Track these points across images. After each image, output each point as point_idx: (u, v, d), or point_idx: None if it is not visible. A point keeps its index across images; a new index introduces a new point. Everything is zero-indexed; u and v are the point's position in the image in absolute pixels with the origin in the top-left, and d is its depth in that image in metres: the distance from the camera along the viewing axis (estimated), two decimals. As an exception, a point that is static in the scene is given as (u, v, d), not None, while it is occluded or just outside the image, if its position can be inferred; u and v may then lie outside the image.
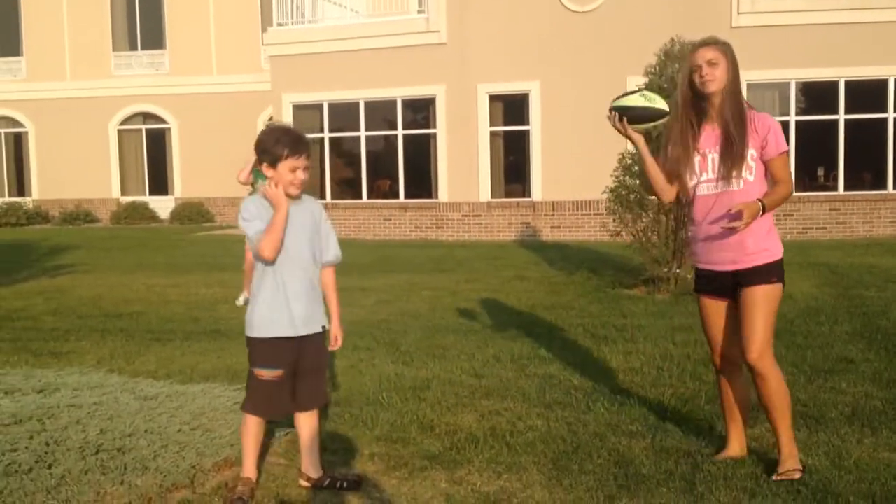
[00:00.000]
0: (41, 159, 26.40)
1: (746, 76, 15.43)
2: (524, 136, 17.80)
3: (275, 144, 3.60)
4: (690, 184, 3.93)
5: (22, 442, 4.12)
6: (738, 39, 16.78)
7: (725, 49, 3.86)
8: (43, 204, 26.16)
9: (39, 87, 26.01)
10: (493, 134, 18.04)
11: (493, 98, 17.92)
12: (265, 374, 3.69)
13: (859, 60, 15.83)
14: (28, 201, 26.26)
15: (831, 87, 15.99)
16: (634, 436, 4.41)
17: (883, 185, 16.20)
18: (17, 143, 26.81)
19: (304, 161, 3.63)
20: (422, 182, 18.64)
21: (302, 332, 3.69)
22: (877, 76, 16.03)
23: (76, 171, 25.91)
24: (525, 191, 17.92)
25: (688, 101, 3.90)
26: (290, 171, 3.59)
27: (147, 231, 22.34)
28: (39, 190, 26.48)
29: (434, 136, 18.35)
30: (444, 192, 18.18)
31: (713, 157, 3.86)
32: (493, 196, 17.98)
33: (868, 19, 15.73)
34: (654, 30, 13.58)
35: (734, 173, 3.79)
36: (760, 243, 3.83)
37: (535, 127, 17.48)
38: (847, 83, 16.01)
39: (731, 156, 3.80)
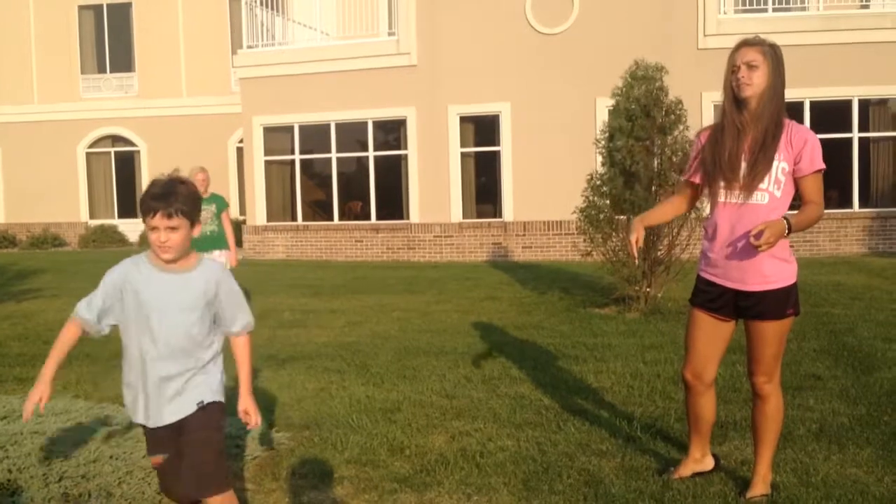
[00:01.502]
0: (8, 182, 26.11)
1: (713, 97, 15.62)
2: (495, 156, 17.87)
3: (140, 201, 3.11)
4: (715, 188, 3.72)
5: (-16, 470, 4.04)
6: (705, 61, 17.02)
7: (767, 51, 3.60)
8: (10, 228, 25.84)
9: (5, 111, 25.77)
10: (464, 155, 18.10)
11: (464, 119, 18.00)
12: (151, 458, 3.33)
13: (824, 81, 16.08)
14: (-6, 225, 25.95)
15: (797, 107, 16.20)
16: (604, 455, 4.41)
17: (849, 204, 16.45)
18: (-17, 167, 26.51)
19: (164, 220, 3.03)
20: (393, 203, 18.65)
21: (161, 423, 3.15)
22: (841, 97, 16.30)
23: (44, 195, 25.64)
24: (496, 211, 17.98)
25: (732, 104, 3.65)
26: (150, 230, 3.07)
27: (116, 254, 22.05)
28: (6, 213, 26.17)
29: (405, 157, 18.38)
30: (416, 214, 18.19)
31: (742, 164, 3.62)
32: (464, 217, 18.02)
33: (832, 41, 16.00)
34: (622, 52, 13.73)
35: (758, 185, 3.57)
36: (777, 267, 3.64)
37: (506, 148, 17.57)
38: (812, 103, 16.26)
39: (758, 166, 3.57)
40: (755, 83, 3.56)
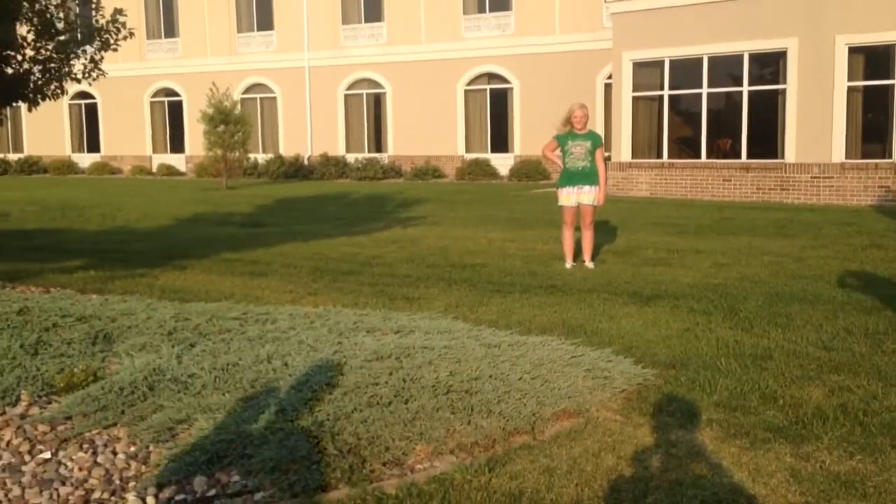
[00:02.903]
0: (396, 118, 28.50)
1: None
2: (888, 90, 16.17)
3: None
4: None
5: (382, 377, 4.53)
6: None
7: None
8: (396, 160, 28.28)
9: (397, 51, 27.99)
10: (851, 89, 16.58)
11: (853, 50, 16.43)
12: None
13: None
14: (384, 157, 28.52)
15: None
16: None
17: None
18: (377, 104, 29.15)
19: None
20: (766, 141, 17.64)
21: None
22: None
23: (426, 129, 27.67)
24: (886, 151, 16.32)
25: None
26: None
27: (488, 187, 23.37)
28: (394, 146, 28.63)
29: (783, 92, 17.25)
30: (791, 152, 17.07)
31: None
32: (847, 157, 16.58)
33: None
34: None
35: None
36: None
37: (902, 81, 15.81)
38: None
39: None
40: None
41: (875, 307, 6.65)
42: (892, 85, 16.01)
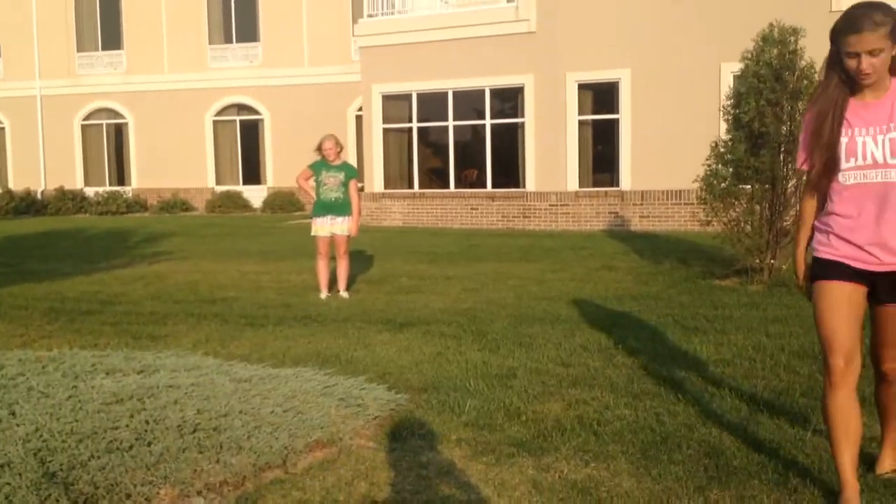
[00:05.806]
0: (140, 149, 27.30)
1: (847, 61, 14.90)
2: (613, 124, 17.59)
3: None
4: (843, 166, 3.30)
5: (123, 420, 4.27)
6: (839, 23, 15.79)
7: (891, 27, 3.14)
8: (141, 193, 27.05)
9: (139, 80, 26.87)
10: (581, 123, 17.88)
11: (583, 87, 17.76)
12: None
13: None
14: (127, 190, 27.18)
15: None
16: (725, 427, 4.33)
17: None
18: (118, 134, 27.78)
19: None
20: (509, 171, 18.62)
21: None
22: None
23: (173, 161, 26.71)
24: (613, 180, 17.73)
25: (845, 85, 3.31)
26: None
27: (240, 219, 22.89)
28: (138, 179, 27.38)
29: (522, 125, 18.30)
30: (532, 182, 18.12)
31: (870, 139, 3.23)
32: (580, 185, 17.84)
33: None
34: (748, 15, 13.25)
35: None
36: None
37: (626, 115, 17.26)
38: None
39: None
40: (878, 69, 3.18)
41: (606, 324, 7.15)
42: (617, 119, 17.43)
